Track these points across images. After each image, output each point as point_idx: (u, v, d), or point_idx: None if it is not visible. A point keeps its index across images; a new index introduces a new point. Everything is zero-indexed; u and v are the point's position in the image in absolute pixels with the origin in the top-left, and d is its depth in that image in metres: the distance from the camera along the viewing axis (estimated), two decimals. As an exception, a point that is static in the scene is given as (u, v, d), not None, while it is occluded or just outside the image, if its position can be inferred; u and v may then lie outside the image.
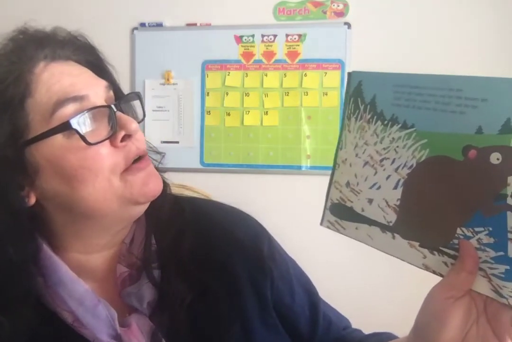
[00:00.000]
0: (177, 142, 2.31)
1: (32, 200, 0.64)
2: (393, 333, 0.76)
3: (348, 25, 2.19)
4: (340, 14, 2.21)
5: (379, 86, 0.56)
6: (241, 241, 0.75)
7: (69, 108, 0.61)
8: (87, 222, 0.66)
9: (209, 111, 2.30)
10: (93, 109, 0.62)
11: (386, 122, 0.55)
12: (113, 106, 0.64)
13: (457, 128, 0.49)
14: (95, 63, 0.70)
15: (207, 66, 2.29)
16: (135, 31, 2.32)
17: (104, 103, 0.64)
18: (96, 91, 0.64)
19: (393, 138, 0.55)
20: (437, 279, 0.55)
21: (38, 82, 0.61)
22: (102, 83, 0.66)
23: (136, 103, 0.71)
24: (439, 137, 0.51)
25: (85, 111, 0.61)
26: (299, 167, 2.24)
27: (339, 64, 2.20)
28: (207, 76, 2.29)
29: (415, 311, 0.59)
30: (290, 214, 2.20)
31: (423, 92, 0.52)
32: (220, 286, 0.71)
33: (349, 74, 0.59)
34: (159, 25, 2.31)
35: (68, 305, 0.65)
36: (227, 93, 2.28)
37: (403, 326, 0.69)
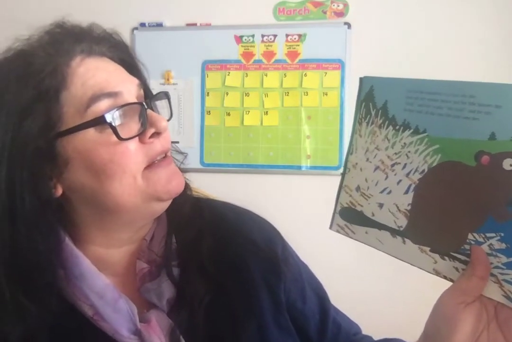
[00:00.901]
0: (177, 142, 2.29)
1: (59, 191, 0.65)
2: (402, 339, 0.76)
3: (348, 25, 2.19)
4: (340, 14, 2.21)
5: (391, 91, 0.56)
6: (256, 243, 0.76)
7: (104, 103, 0.62)
8: (111, 216, 0.67)
9: (209, 111, 2.30)
10: (126, 106, 0.63)
11: (397, 127, 0.56)
12: (144, 103, 0.65)
13: (470, 134, 0.49)
14: (128, 61, 0.71)
15: (207, 66, 2.29)
16: (135, 31, 2.32)
17: (136, 101, 0.65)
18: (129, 88, 0.65)
19: (404, 143, 0.55)
20: (444, 283, 0.55)
21: (74, 76, 0.62)
22: (135, 81, 0.67)
23: (164, 102, 0.72)
24: (451, 143, 0.51)
25: (119, 107, 0.62)
26: (299, 167, 2.24)
27: (339, 64, 2.20)
28: (207, 76, 2.29)
29: (421, 316, 0.59)
30: (290, 214, 2.20)
31: (436, 98, 0.52)
32: (236, 287, 0.72)
33: (361, 79, 0.59)
34: (159, 25, 2.31)
35: (89, 298, 0.66)
36: (227, 93, 2.28)
37: (409, 330, 0.69)
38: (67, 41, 0.65)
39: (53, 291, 0.65)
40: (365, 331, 0.87)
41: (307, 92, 2.22)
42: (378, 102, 0.57)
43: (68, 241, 0.67)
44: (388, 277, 2.08)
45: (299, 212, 2.22)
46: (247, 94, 2.26)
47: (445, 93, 0.51)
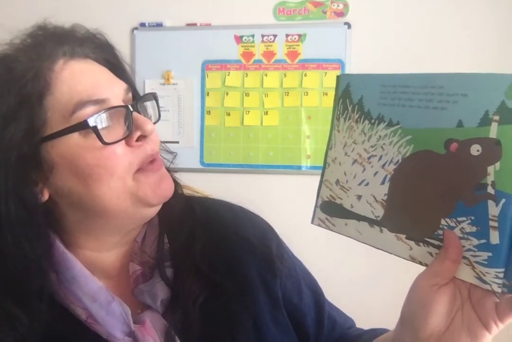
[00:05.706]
0: (177, 142, 2.32)
1: (45, 196, 0.64)
2: (389, 329, 0.76)
3: (348, 25, 2.19)
4: (340, 14, 2.22)
5: (366, 87, 0.58)
6: (250, 240, 0.75)
7: (89, 109, 0.61)
8: (99, 220, 0.66)
9: (209, 111, 2.31)
10: (111, 109, 0.62)
11: (373, 121, 0.58)
12: (130, 106, 0.64)
13: (439, 124, 0.51)
14: (113, 62, 0.70)
15: (207, 66, 2.30)
16: (135, 31, 2.34)
17: (122, 104, 0.64)
18: (116, 92, 0.65)
19: (379, 136, 0.57)
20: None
21: (58, 80, 0.61)
22: (123, 85, 0.67)
23: (151, 104, 0.71)
24: (422, 133, 0.53)
25: (103, 111, 0.61)
26: (299, 167, 2.25)
27: (339, 64, 2.21)
28: (207, 76, 2.30)
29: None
30: (290, 214, 2.20)
31: (407, 91, 0.54)
32: (231, 286, 0.71)
33: (338, 77, 0.61)
34: (159, 25, 2.32)
35: (82, 302, 0.66)
36: (227, 93, 2.29)
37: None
38: (49, 44, 0.63)
39: (44, 297, 0.64)
40: (358, 325, 0.88)
41: (307, 92, 2.23)
42: (354, 98, 0.59)
43: (58, 244, 0.66)
44: (388, 274, 2.08)
45: (298, 212, 2.22)
46: (247, 94, 2.27)
47: (415, 85, 0.53)
